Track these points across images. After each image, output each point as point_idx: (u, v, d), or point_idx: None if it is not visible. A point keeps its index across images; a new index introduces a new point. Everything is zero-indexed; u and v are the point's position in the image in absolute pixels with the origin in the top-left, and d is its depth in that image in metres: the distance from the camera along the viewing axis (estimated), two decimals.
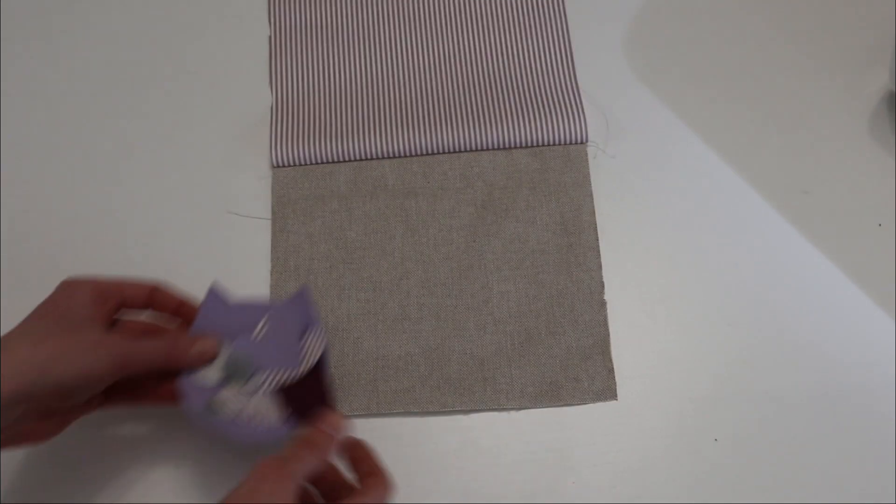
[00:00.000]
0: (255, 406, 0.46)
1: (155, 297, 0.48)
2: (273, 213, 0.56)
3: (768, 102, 0.58)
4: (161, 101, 0.60)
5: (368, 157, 0.57)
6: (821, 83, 0.58)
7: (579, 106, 0.58)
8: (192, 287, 0.53)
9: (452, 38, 0.61)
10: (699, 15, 0.61)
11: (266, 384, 0.47)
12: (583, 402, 0.50)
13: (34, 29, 0.63)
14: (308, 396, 0.47)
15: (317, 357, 0.47)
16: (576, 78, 0.59)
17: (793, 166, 0.56)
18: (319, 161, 0.57)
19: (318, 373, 0.47)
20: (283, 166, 0.57)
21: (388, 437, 0.50)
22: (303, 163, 0.57)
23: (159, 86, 0.60)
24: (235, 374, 0.47)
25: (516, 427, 0.50)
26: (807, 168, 0.56)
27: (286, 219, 0.55)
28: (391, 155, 0.57)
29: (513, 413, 0.50)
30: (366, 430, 0.49)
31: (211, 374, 0.47)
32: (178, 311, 0.49)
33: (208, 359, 0.47)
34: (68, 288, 0.45)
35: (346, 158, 0.57)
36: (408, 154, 0.57)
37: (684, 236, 0.54)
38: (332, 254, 0.54)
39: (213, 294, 0.49)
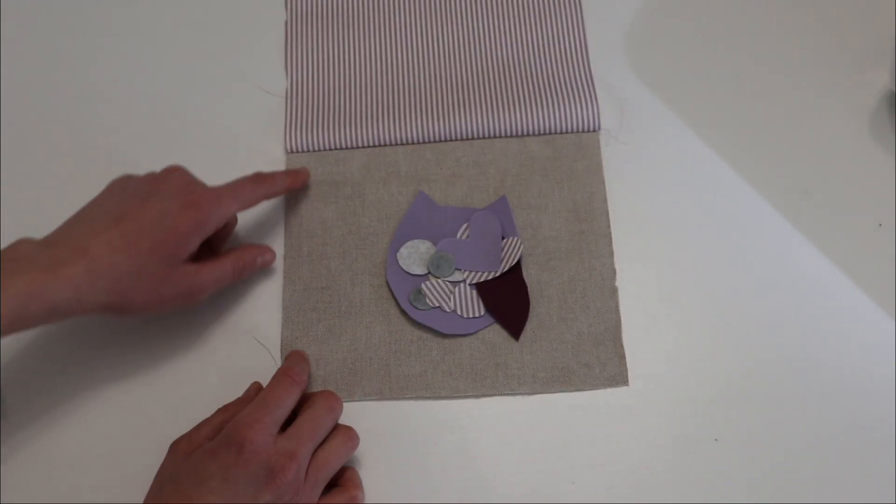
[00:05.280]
0: (457, 299, 0.51)
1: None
2: (286, 198, 0.56)
3: (768, 102, 0.58)
4: (175, 86, 0.60)
5: (382, 143, 0.57)
6: (821, 83, 0.58)
7: (592, 94, 0.58)
8: None
9: (467, 25, 0.61)
10: (707, 12, 0.61)
11: (467, 280, 0.52)
12: (594, 387, 0.50)
13: (42, 17, 0.63)
14: (506, 295, 0.52)
15: (515, 260, 0.53)
16: (589, 66, 0.59)
17: (792, 166, 0.56)
18: (333, 147, 0.57)
19: (515, 275, 0.52)
20: (298, 152, 0.57)
21: (389, 436, 0.50)
22: (317, 149, 0.57)
23: (173, 71, 0.60)
24: (439, 269, 0.52)
25: (516, 427, 0.50)
26: (807, 168, 0.56)
27: (299, 204, 0.56)
28: (404, 142, 0.57)
29: (513, 412, 0.50)
30: (372, 420, 0.50)
31: (416, 270, 0.52)
32: (290, 185, 0.54)
33: (269, 264, 0.53)
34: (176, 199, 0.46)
35: (360, 145, 0.57)
36: (421, 141, 0.57)
37: (689, 232, 0.54)
38: (346, 239, 0.55)
39: (422, 197, 0.54)
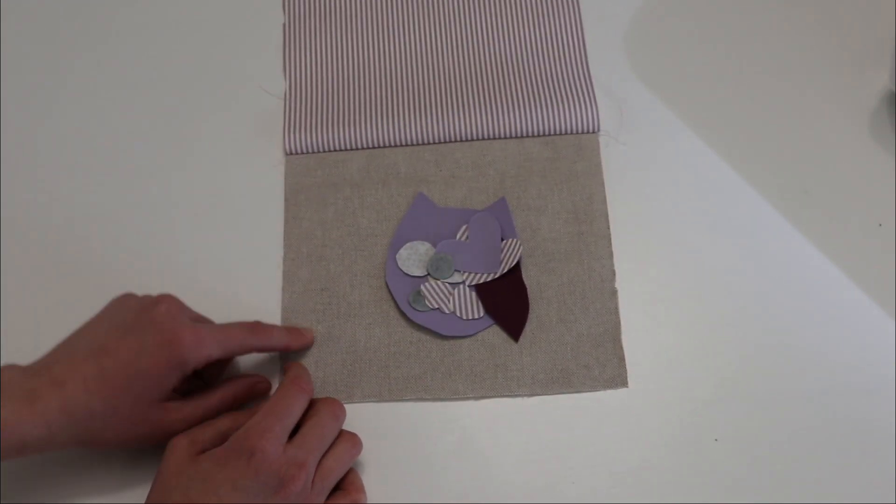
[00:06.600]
0: (456, 300, 0.51)
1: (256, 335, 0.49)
2: (286, 200, 0.56)
3: (768, 102, 0.58)
4: (174, 88, 0.60)
5: (381, 144, 0.57)
6: (821, 83, 0.58)
7: (591, 95, 0.58)
8: (202, 276, 0.54)
9: (466, 26, 0.61)
10: (707, 13, 0.61)
11: (466, 282, 0.52)
12: (593, 389, 0.50)
13: (42, 17, 0.63)
14: (505, 296, 0.52)
15: (514, 261, 0.52)
16: (588, 67, 0.59)
17: (792, 166, 0.56)
18: (332, 149, 0.57)
19: (515, 276, 0.52)
20: (297, 154, 0.57)
21: (389, 438, 0.50)
22: (316, 150, 0.57)
23: (172, 73, 0.60)
24: (438, 271, 0.52)
25: (516, 428, 0.50)
26: (807, 168, 0.56)
27: (299, 206, 0.56)
28: (403, 143, 0.57)
29: (512, 414, 0.50)
30: (372, 422, 0.50)
31: (416, 272, 0.53)
32: (287, 344, 0.51)
33: (264, 395, 0.50)
34: (159, 329, 0.44)
35: (359, 146, 0.57)
36: (420, 142, 0.57)
37: (688, 234, 0.54)
38: (345, 241, 0.55)
39: (421, 198, 0.54)
